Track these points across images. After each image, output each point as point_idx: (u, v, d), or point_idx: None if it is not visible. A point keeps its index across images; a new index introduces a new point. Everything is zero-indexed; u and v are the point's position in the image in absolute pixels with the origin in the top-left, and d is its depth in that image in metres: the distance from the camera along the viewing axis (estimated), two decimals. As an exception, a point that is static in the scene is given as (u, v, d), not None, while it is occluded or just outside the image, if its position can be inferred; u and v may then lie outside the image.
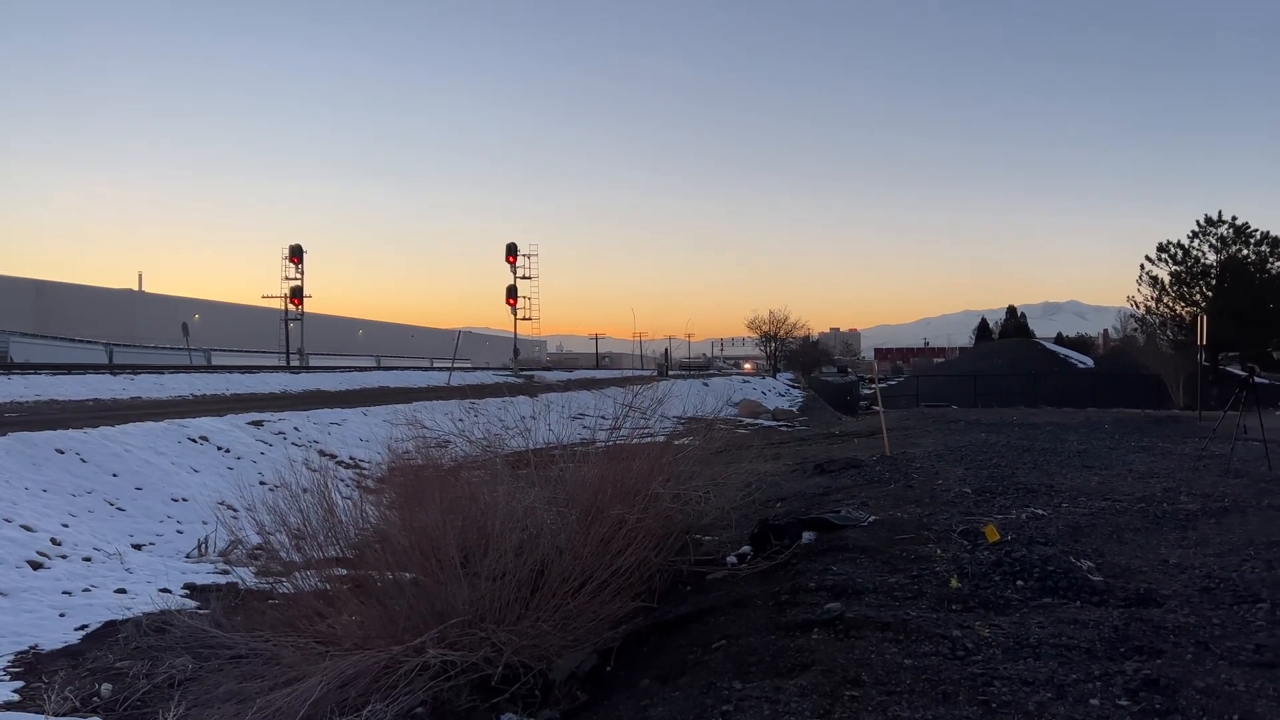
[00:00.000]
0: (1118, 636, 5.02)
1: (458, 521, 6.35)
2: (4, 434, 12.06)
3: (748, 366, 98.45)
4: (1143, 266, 46.20)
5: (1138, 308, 47.45)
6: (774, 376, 72.13)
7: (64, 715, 5.21)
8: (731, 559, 8.12)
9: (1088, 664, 4.62)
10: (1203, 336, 23.93)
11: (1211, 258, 44.79)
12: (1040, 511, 8.82)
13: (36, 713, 5.39)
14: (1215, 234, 44.91)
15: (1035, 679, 4.41)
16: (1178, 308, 44.87)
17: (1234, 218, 44.77)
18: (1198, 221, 45.41)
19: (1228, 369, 42.42)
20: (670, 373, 65.82)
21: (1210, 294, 43.41)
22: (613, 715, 4.98)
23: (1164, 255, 45.69)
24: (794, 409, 47.53)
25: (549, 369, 71.33)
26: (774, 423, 34.79)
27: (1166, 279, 45.40)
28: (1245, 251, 44.34)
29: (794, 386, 66.26)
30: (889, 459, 13.93)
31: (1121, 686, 4.29)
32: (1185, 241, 45.33)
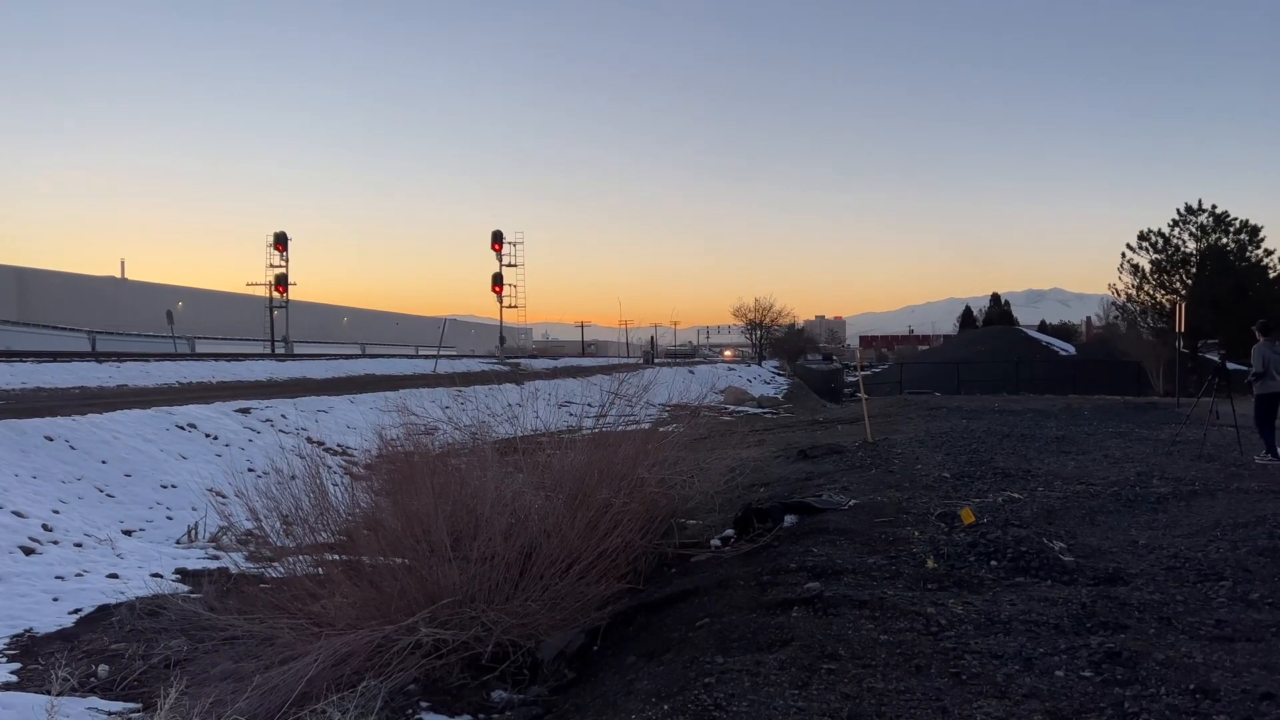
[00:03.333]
0: (1085, 613, 5.23)
1: (448, 505, 6.50)
2: (-8, 421, 12.11)
3: (728, 354, 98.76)
4: (1124, 255, 46.65)
5: (1119, 296, 47.91)
6: (759, 364, 72.50)
7: (65, 695, 5.32)
8: (715, 542, 8.30)
9: (1055, 639, 4.82)
10: (1181, 324, 24.26)
11: (1192, 246, 45.24)
12: (1016, 495, 9.04)
13: (39, 693, 5.52)
14: (1195, 222, 45.34)
15: (1004, 652, 4.60)
16: (1158, 295, 45.31)
17: (1214, 206, 45.23)
18: (1178, 210, 45.85)
19: (1207, 356, 42.90)
20: (656, 360, 66.06)
21: (1190, 282, 43.87)
22: (600, 691, 5.15)
23: (1145, 243, 46.10)
24: (779, 396, 47.87)
25: (535, 357, 71.41)
26: (759, 409, 35.03)
27: (1147, 267, 45.83)
28: (1225, 240, 44.80)
29: (779, 374, 66.61)
30: (871, 445, 14.15)
31: (1086, 659, 4.49)
32: (1166, 230, 45.77)
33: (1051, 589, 5.82)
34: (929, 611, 5.27)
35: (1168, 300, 43.82)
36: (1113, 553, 6.76)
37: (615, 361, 67.13)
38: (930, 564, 6.39)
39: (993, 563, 6.40)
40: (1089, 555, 6.67)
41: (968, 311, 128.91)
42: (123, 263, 72.08)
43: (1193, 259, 44.82)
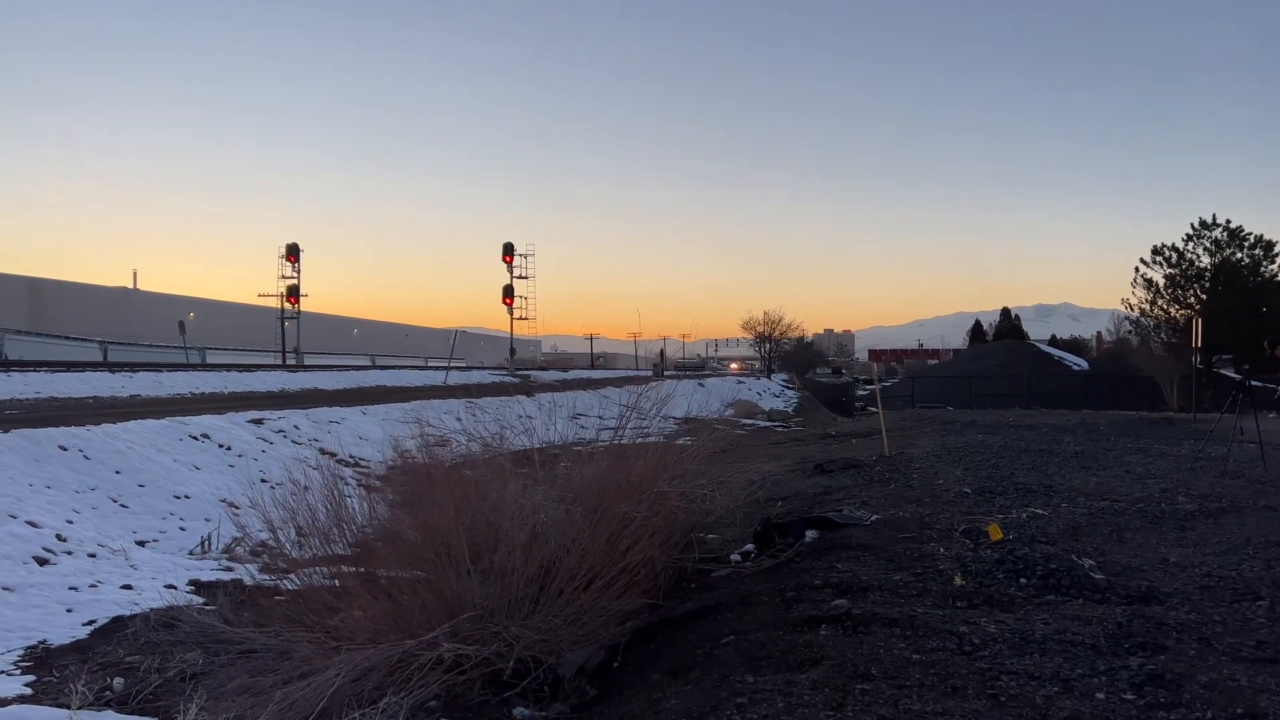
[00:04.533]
0: (1121, 633, 5.10)
1: (467, 519, 6.42)
2: (6, 431, 12.08)
3: (734, 366, 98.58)
4: (1137, 269, 46.47)
5: (1132, 310, 47.69)
6: (769, 377, 72.39)
7: (81, 709, 5.25)
8: (735, 557, 8.19)
9: (1093, 659, 4.70)
10: (1197, 339, 24.09)
11: (1206, 260, 45.04)
12: (1040, 511, 8.91)
13: (55, 706, 5.44)
14: (1210, 237, 45.16)
15: (1042, 674, 4.49)
16: (1172, 310, 45.08)
17: (1228, 221, 45.06)
18: (1192, 225, 45.69)
19: (1222, 371, 42.64)
20: (666, 373, 65.93)
21: (1204, 297, 43.63)
22: (625, 709, 5.04)
23: (1159, 258, 45.94)
24: (789, 410, 47.69)
25: (545, 369, 71.38)
26: (770, 423, 34.89)
27: (1161, 282, 45.64)
28: (1239, 255, 44.60)
29: (789, 387, 66.49)
30: (888, 459, 14.02)
31: (1127, 681, 4.37)
32: (1180, 244, 45.59)
33: (1084, 608, 5.69)
34: (961, 630, 5.15)
35: (1181, 315, 43.61)
36: (1144, 570, 6.63)
37: (625, 374, 67.09)
38: (958, 581, 6.27)
39: (1022, 580, 6.27)
40: (1120, 573, 6.54)
41: (977, 326, 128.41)
42: (135, 273, 72.44)
43: (1207, 274, 44.59)
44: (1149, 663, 4.60)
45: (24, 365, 26.71)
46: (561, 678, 5.91)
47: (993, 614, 5.56)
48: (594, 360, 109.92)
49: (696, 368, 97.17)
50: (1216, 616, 5.44)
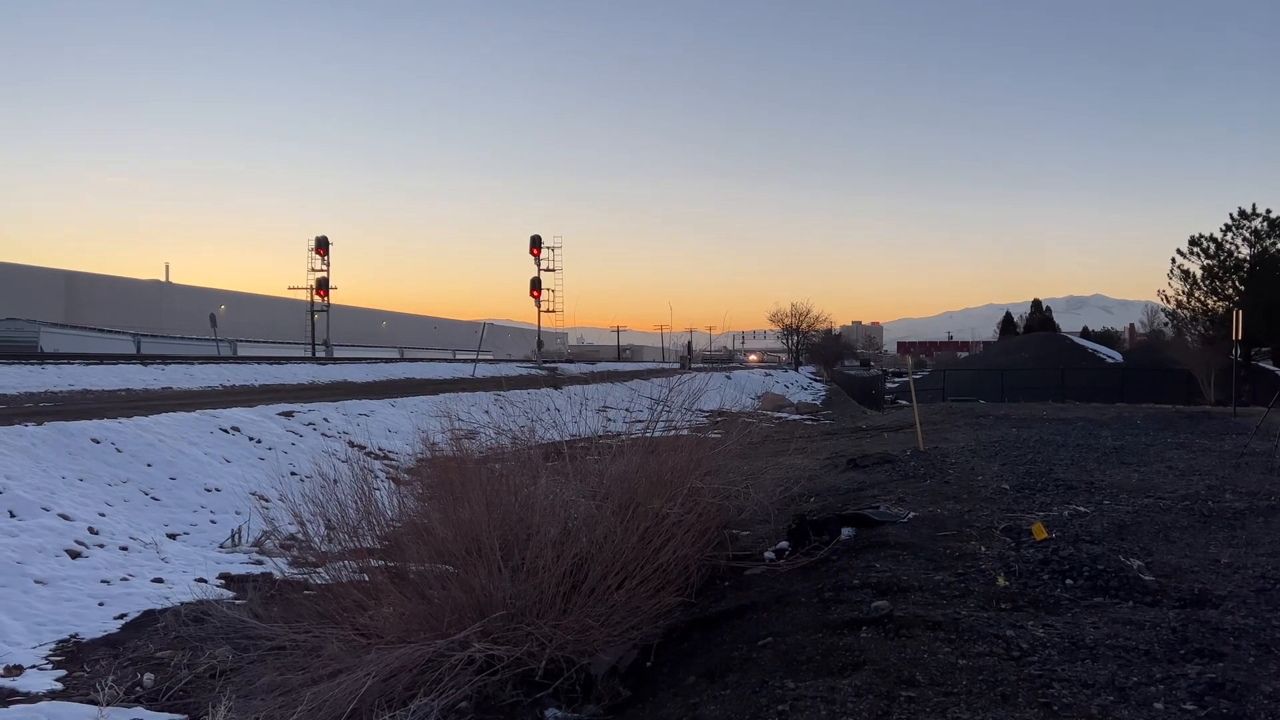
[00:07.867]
0: (1176, 638, 4.91)
1: (498, 514, 6.31)
2: (40, 423, 12.15)
3: (753, 358, 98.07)
4: (1174, 260, 45.57)
5: (1168, 302, 46.79)
6: (796, 369, 72.01)
7: (111, 706, 5.21)
8: (769, 554, 8.04)
9: (1148, 666, 4.51)
10: (1238, 331, 23.55)
11: (1245, 251, 44.08)
12: (1082, 509, 8.67)
13: (85, 702, 5.41)
14: (1249, 227, 44.18)
15: (1095, 681, 4.31)
16: (1209, 302, 44.18)
17: (1268, 210, 44.04)
18: (1231, 215, 44.71)
19: (1260, 365, 41.80)
20: (692, 366, 65.78)
21: (1243, 288, 42.71)
22: (660, 713, 4.92)
23: (1196, 249, 45.01)
24: (817, 403, 47.38)
25: (571, 361, 71.38)
26: (798, 416, 34.61)
27: (1198, 273, 44.72)
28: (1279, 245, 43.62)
29: (816, 380, 66.12)
30: (923, 454, 13.78)
31: (1185, 690, 4.18)
32: (1218, 235, 44.65)
33: (1134, 611, 5.49)
34: (1008, 634, 4.98)
35: (1220, 306, 42.75)
36: (1195, 572, 6.41)
37: (652, 366, 66.95)
38: (1001, 582, 6.09)
39: (1068, 581, 6.08)
40: (1170, 574, 6.32)
41: (1008, 318, 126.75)
42: (167, 266, 73.33)
43: (1245, 265, 43.66)
44: (1207, 671, 4.41)
45: (59, 358, 27.04)
46: (594, 678, 5.79)
47: (1039, 617, 5.38)
48: (620, 353, 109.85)
49: (724, 360, 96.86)
50: (1275, 622, 5.22)
